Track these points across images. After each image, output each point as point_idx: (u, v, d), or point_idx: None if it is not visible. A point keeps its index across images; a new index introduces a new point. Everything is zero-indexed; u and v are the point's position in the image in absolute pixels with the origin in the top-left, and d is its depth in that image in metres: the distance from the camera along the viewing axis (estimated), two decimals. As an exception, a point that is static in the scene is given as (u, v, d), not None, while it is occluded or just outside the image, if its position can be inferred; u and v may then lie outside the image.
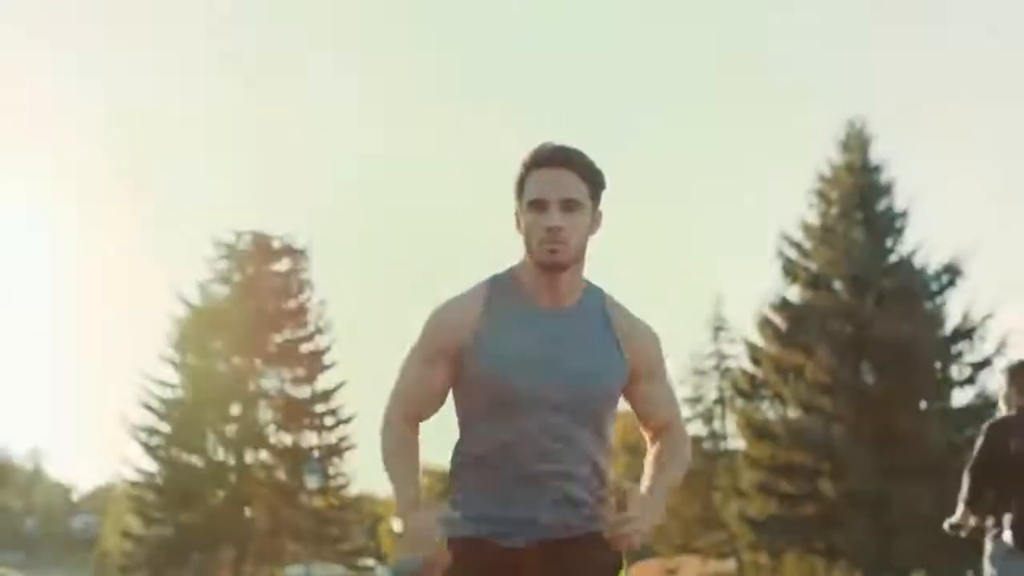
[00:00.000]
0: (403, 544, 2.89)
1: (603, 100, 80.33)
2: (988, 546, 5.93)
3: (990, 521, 5.94)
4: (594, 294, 3.03)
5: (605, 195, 2.99)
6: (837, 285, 29.67)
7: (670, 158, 78.68)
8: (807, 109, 70.30)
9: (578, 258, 2.95)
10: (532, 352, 2.91)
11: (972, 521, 5.98)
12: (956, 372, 29.60)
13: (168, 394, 36.73)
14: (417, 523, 2.85)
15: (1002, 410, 6.17)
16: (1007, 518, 5.88)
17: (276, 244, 37.92)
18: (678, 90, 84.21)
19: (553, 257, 2.89)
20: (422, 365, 3.00)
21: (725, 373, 39.26)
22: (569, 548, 2.94)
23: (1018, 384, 5.91)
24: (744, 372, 31.82)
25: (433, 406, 3.04)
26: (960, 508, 6.02)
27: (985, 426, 6.01)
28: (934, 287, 29.71)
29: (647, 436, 3.15)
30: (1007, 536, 5.86)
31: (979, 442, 5.97)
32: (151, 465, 36.58)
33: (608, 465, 3.03)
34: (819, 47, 75.04)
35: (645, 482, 3.01)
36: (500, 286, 3.00)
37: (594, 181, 2.95)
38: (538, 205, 2.91)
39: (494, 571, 2.95)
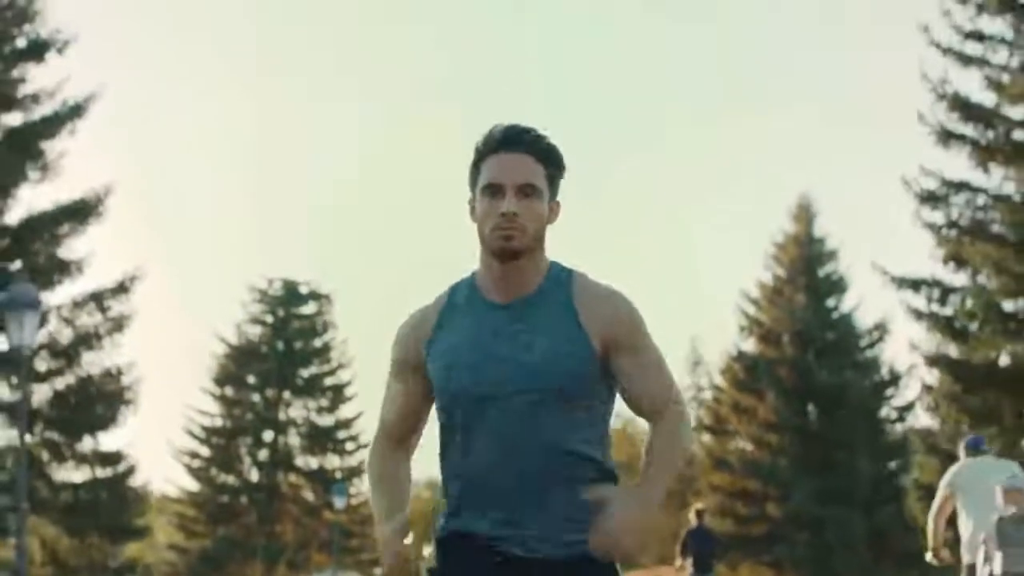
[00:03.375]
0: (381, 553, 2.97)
1: (603, 106, 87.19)
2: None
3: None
4: (558, 277, 2.96)
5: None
6: (785, 339, 37.45)
7: (661, 182, 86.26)
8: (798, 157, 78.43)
9: (534, 246, 2.90)
10: (474, 349, 2.90)
11: (687, 564, 14.89)
12: (885, 413, 37.45)
13: (208, 422, 43.05)
14: (383, 535, 2.93)
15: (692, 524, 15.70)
16: (689, 561, 15.24)
17: (303, 289, 44.74)
18: (676, 109, 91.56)
19: (507, 244, 2.86)
20: (393, 385, 3.06)
21: (701, 404, 47.07)
22: (554, 569, 2.88)
23: (697, 516, 14.76)
24: (710, 409, 39.79)
25: (412, 424, 3.08)
26: (679, 559, 14.76)
27: (684, 531, 14.82)
28: (867, 341, 37.57)
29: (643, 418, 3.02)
30: (689, 566, 15.10)
31: (682, 536, 14.88)
32: (192, 484, 43.08)
33: (599, 452, 2.95)
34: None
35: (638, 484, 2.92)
36: (459, 289, 3.01)
37: (552, 164, 2.93)
38: (492, 190, 2.88)
39: (480, 566, 2.92)
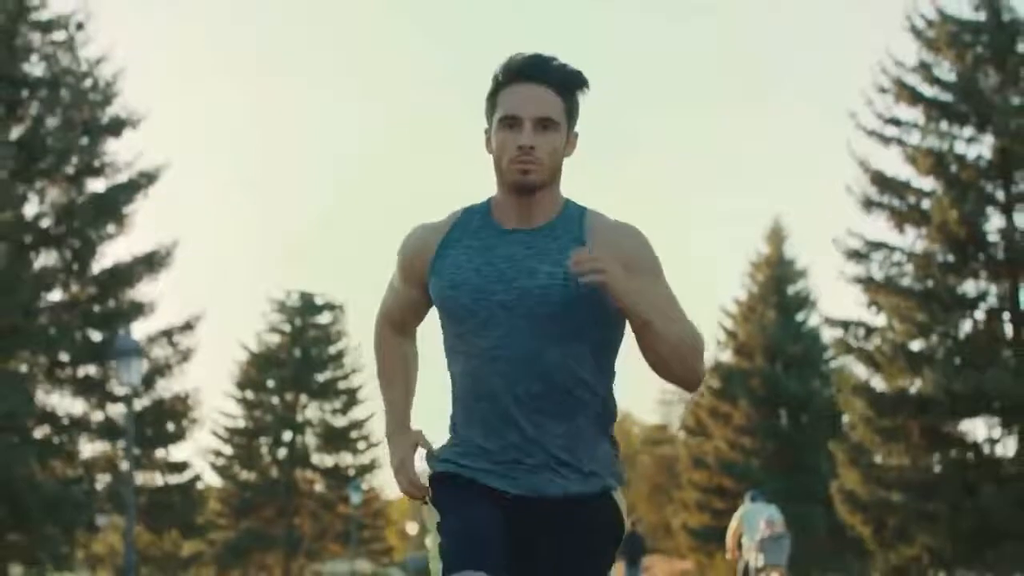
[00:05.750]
0: (392, 471, 3.12)
1: (601, 106, 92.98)
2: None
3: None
4: (572, 212, 3.11)
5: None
6: (757, 351, 43.60)
7: (663, 169, 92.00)
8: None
9: (552, 180, 3.04)
10: (484, 270, 3.05)
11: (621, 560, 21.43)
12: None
13: (231, 423, 48.17)
14: (396, 451, 3.15)
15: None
16: (624, 557, 21.34)
17: (319, 300, 49.91)
18: (676, 106, 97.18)
19: (525, 178, 2.99)
20: (397, 283, 3.28)
21: (687, 405, 53.30)
22: (561, 509, 3.04)
23: (632, 524, 21.22)
24: (692, 413, 46.10)
25: (411, 318, 3.32)
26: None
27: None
28: (831, 353, 43.71)
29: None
30: (623, 563, 21.45)
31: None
32: (217, 481, 47.82)
33: (601, 384, 3.09)
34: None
35: None
36: (473, 211, 3.16)
37: (571, 95, 3.06)
38: (510, 122, 3.00)
39: (478, 503, 3.05)
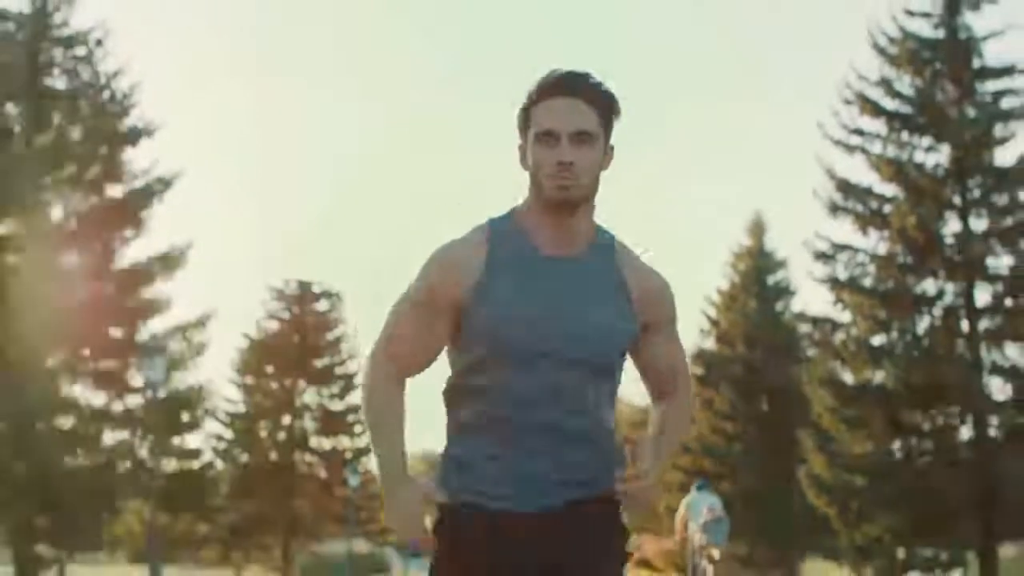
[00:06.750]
0: (390, 522, 3.02)
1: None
2: None
3: None
4: (605, 241, 3.16)
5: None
6: (738, 340, 46.25)
7: (657, 157, 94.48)
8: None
9: (590, 196, 3.07)
10: (536, 304, 3.02)
11: None
12: (824, 403, 46.33)
13: (232, 408, 50.58)
14: (402, 504, 3.00)
15: None
16: None
17: (316, 289, 52.48)
18: (676, 97, 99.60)
19: (564, 194, 3.01)
20: (422, 310, 3.09)
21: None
22: (575, 517, 3.06)
23: None
24: (676, 399, 48.90)
25: (429, 357, 3.15)
26: None
27: None
28: (809, 341, 46.39)
29: (648, 391, 3.34)
30: None
31: None
32: (218, 464, 49.72)
33: (613, 423, 3.18)
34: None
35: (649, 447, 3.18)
36: (501, 232, 3.11)
37: (607, 110, 3.08)
38: (548, 137, 3.02)
39: (490, 539, 3.03)
